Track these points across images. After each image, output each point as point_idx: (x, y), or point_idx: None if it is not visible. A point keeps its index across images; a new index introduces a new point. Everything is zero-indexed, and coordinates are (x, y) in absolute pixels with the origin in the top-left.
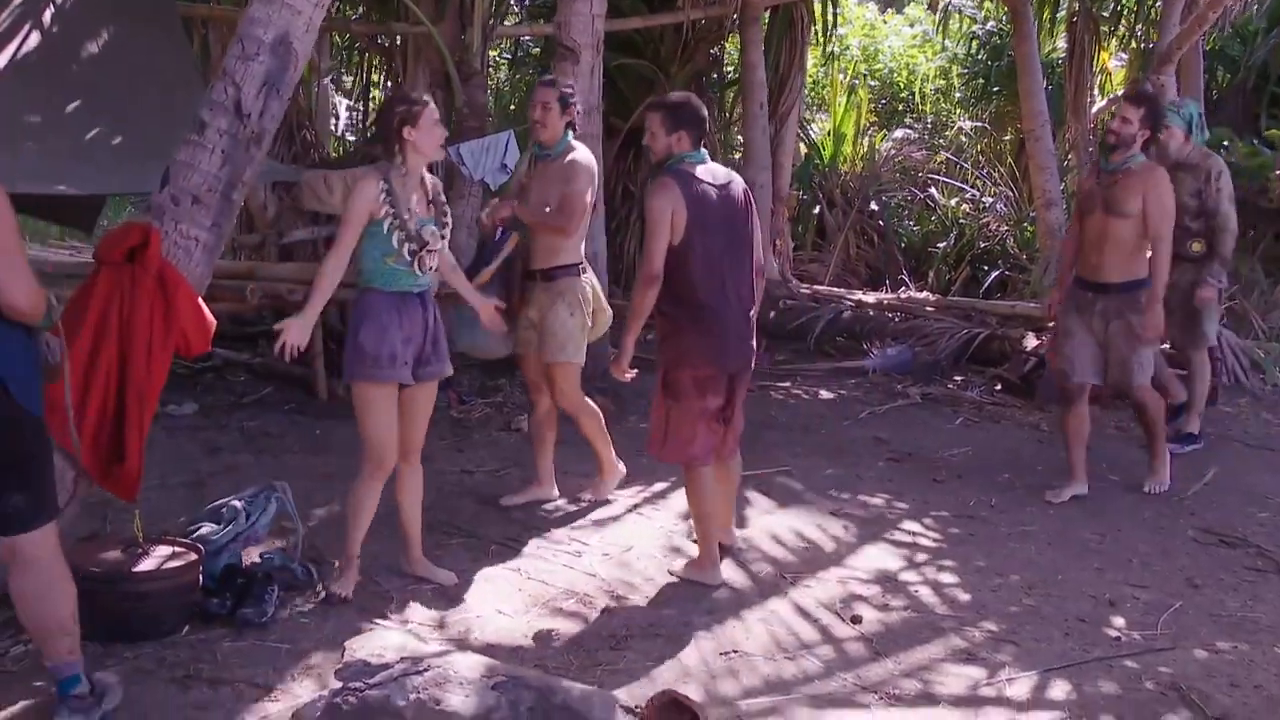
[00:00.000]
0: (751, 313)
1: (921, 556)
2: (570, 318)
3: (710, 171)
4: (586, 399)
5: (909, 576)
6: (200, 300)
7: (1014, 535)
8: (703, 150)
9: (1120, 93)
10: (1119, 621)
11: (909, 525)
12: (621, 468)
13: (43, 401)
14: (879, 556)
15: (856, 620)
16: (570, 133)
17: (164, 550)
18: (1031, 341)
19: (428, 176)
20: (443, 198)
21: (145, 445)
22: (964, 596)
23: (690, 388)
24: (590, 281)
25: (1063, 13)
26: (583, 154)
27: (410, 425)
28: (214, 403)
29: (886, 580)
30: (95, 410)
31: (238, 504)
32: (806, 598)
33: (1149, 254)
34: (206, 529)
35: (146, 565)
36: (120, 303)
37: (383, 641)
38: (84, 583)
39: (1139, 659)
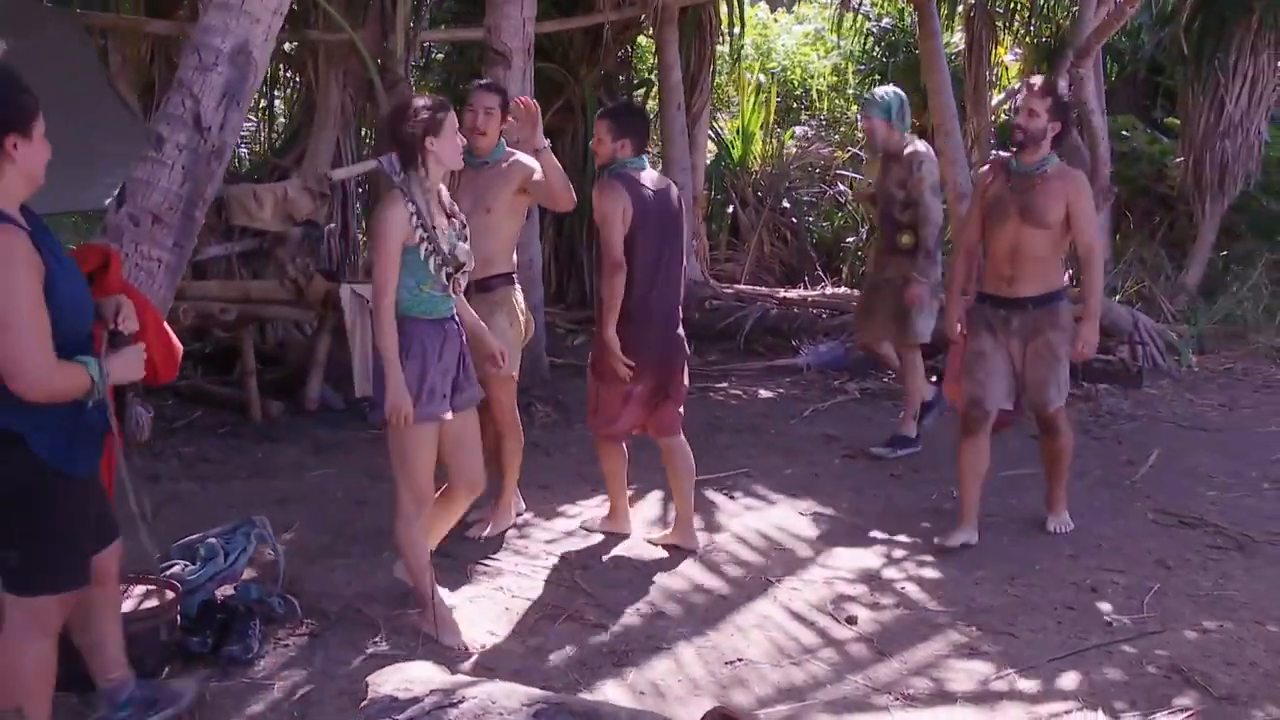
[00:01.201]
0: (678, 307)
1: (899, 553)
2: (509, 328)
3: (650, 177)
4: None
5: (892, 573)
6: (166, 325)
7: (981, 526)
8: (644, 157)
9: (1015, 85)
10: (1105, 607)
11: (879, 521)
12: (520, 505)
13: (88, 462)
14: (857, 555)
15: (852, 621)
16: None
17: (139, 589)
18: None
19: (443, 186)
20: (456, 206)
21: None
22: (950, 591)
23: (616, 373)
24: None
25: (960, 8)
26: (524, 156)
27: (468, 455)
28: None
29: (871, 578)
30: None
31: (214, 541)
32: (796, 600)
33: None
34: (179, 567)
35: (123, 606)
36: None
37: (407, 675)
38: None
39: (1135, 643)
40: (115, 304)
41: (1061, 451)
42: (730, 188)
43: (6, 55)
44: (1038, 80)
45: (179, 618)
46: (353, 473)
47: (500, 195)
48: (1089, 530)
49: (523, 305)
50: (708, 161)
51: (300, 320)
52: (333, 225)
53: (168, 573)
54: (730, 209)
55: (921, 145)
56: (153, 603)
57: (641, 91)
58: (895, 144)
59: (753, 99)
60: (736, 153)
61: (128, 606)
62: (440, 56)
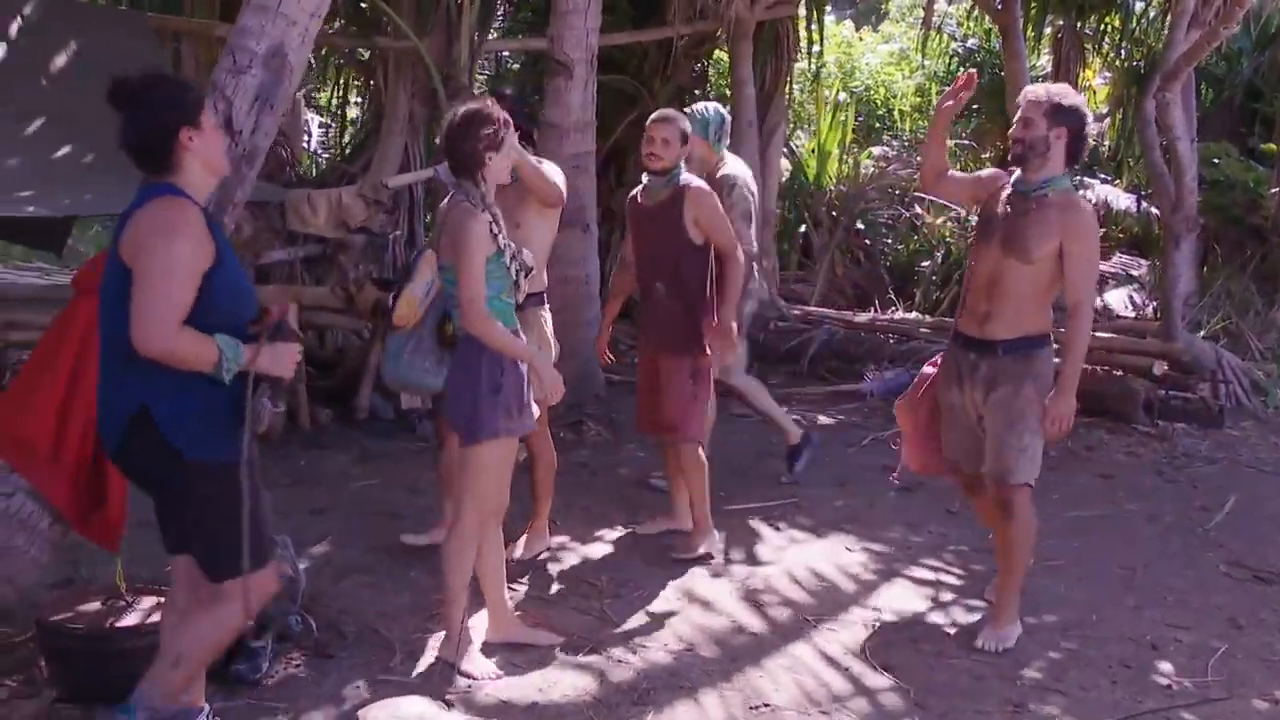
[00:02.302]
0: None
1: (947, 595)
2: (538, 351)
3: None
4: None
5: (937, 618)
6: None
7: (1040, 570)
8: None
9: (1103, 109)
10: (1166, 667)
11: (929, 561)
12: (549, 541)
13: (217, 446)
14: (902, 596)
15: (889, 669)
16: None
17: (148, 601)
18: None
19: None
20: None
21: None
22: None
23: (709, 374)
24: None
25: (1048, 30)
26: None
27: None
28: None
29: (914, 623)
30: (74, 450)
31: None
32: (832, 643)
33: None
34: None
35: (129, 619)
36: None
37: (399, 713)
38: (59, 639)
39: (1195, 710)
40: (282, 305)
41: (1014, 543)
42: (804, 207)
43: (76, 57)
44: (1035, 87)
45: None
46: (394, 486)
47: (527, 209)
48: (1156, 580)
49: (550, 327)
50: (782, 180)
51: (356, 328)
52: (398, 232)
53: None
54: (803, 229)
55: (740, 169)
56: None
57: None
58: (711, 165)
59: (831, 117)
60: (811, 171)
61: (133, 620)
62: (516, 67)
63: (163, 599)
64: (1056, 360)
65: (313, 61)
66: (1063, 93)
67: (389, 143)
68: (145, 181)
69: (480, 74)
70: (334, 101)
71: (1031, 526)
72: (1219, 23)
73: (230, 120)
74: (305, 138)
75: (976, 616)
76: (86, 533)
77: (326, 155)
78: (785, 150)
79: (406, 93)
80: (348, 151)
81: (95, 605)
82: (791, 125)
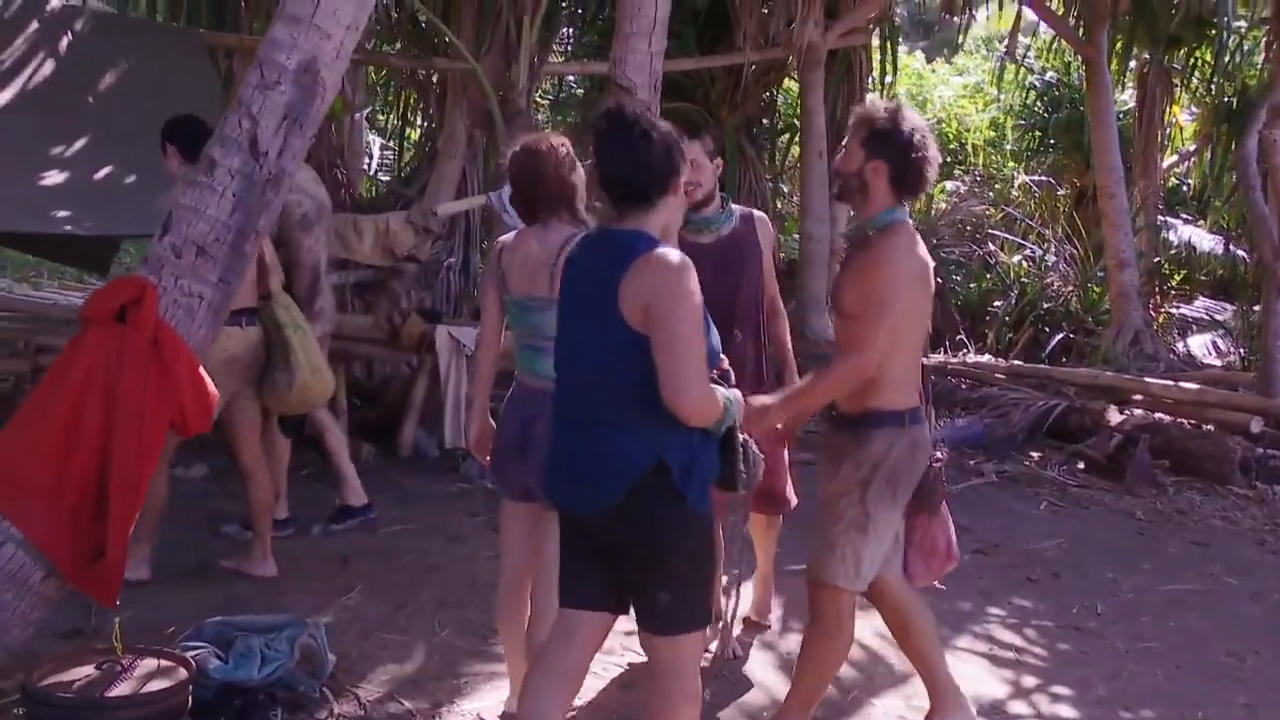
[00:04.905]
0: None
1: (1029, 680)
2: None
3: None
4: None
5: (1019, 708)
6: (203, 370)
7: (1134, 653)
8: None
9: (1191, 147)
10: None
11: (1007, 637)
12: None
13: (709, 498)
14: (977, 677)
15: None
16: None
17: (148, 664)
18: (1115, 416)
19: None
20: None
21: (131, 540)
22: None
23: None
24: None
25: (1134, 64)
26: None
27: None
28: (228, 465)
29: (992, 711)
30: (73, 496)
31: (255, 641)
32: None
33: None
34: (204, 652)
35: (124, 687)
36: (107, 369)
37: None
38: (46, 707)
39: None
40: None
41: (813, 658)
42: None
43: (127, 75)
44: (860, 107)
45: (189, 701)
46: (431, 531)
47: None
48: (1268, 672)
49: None
50: (850, 214)
51: (403, 359)
52: (452, 260)
53: (191, 652)
54: None
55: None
56: (162, 683)
57: (785, 137)
58: None
59: None
60: None
61: (127, 688)
62: (581, 92)
63: (163, 662)
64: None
65: (375, 83)
66: (881, 118)
67: (446, 167)
68: (611, 223)
69: (545, 98)
70: (396, 123)
71: (843, 643)
72: None
73: (255, 140)
74: (366, 160)
75: (1067, 709)
76: (83, 586)
77: (387, 179)
78: None
79: (465, 116)
80: (405, 175)
81: (89, 669)
82: None
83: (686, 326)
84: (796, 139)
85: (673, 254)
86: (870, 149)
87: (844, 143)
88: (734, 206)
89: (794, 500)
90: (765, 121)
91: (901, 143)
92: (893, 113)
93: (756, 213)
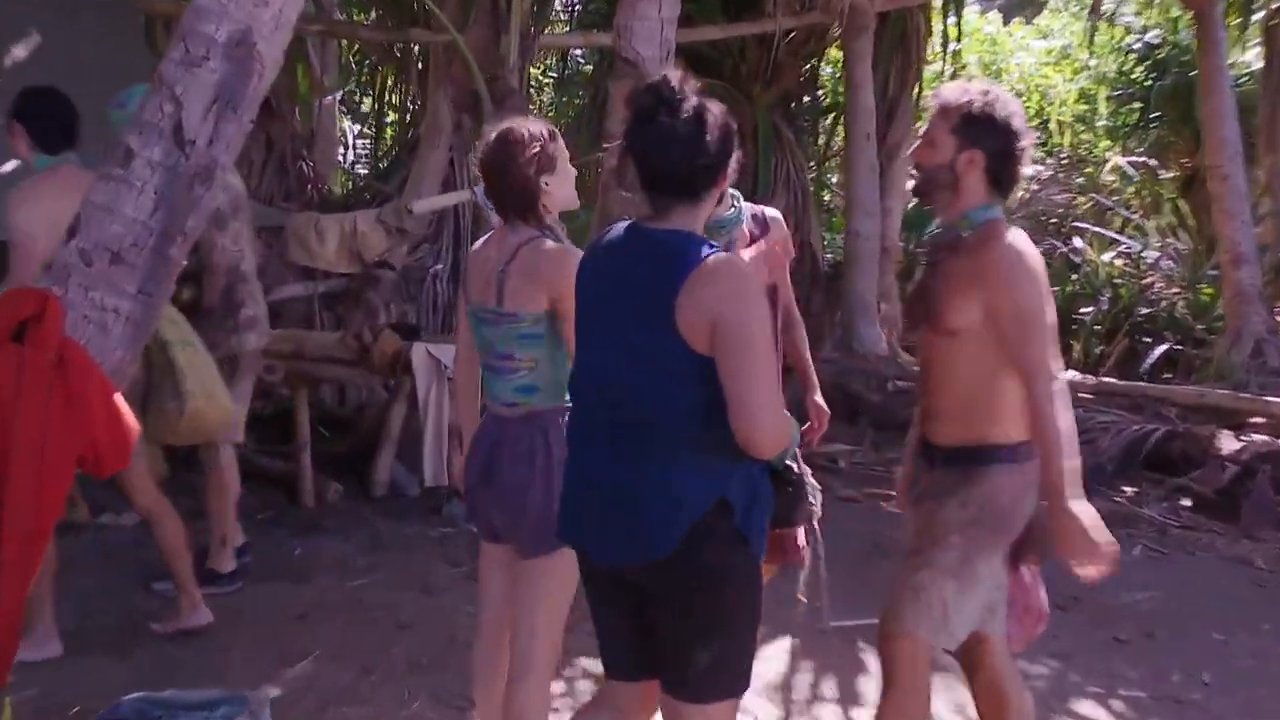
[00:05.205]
0: None
1: None
2: None
3: None
4: None
5: None
6: (119, 397)
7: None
8: None
9: None
10: None
11: (1091, 711)
12: None
13: (765, 542)
14: None
15: None
16: None
17: None
18: (1229, 443)
19: None
20: None
21: (27, 599)
22: None
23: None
24: None
25: (1258, 16)
26: None
27: None
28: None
29: None
30: None
31: None
32: None
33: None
34: None
35: None
36: (0, 397)
37: None
38: None
39: None
40: None
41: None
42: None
43: (41, 48)
44: (946, 89)
45: None
46: (405, 583)
47: None
48: None
49: None
50: (908, 206)
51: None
52: (439, 266)
53: None
54: None
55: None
56: None
57: (830, 117)
58: None
59: None
60: None
61: None
62: (589, 67)
63: None
64: None
65: (350, 60)
66: (978, 103)
67: (429, 158)
68: (646, 220)
69: (549, 76)
70: (376, 108)
71: (918, 699)
72: None
73: (180, 126)
74: (340, 151)
75: None
76: None
77: (367, 172)
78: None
79: (449, 98)
80: (382, 167)
81: None
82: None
83: (763, 344)
84: (842, 119)
85: (737, 260)
86: (964, 137)
87: (925, 132)
88: (744, 204)
89: (806, 555)
90: (805, 99)
91: (1001, 130)
92: (986, 95)
93: (769, 211)
